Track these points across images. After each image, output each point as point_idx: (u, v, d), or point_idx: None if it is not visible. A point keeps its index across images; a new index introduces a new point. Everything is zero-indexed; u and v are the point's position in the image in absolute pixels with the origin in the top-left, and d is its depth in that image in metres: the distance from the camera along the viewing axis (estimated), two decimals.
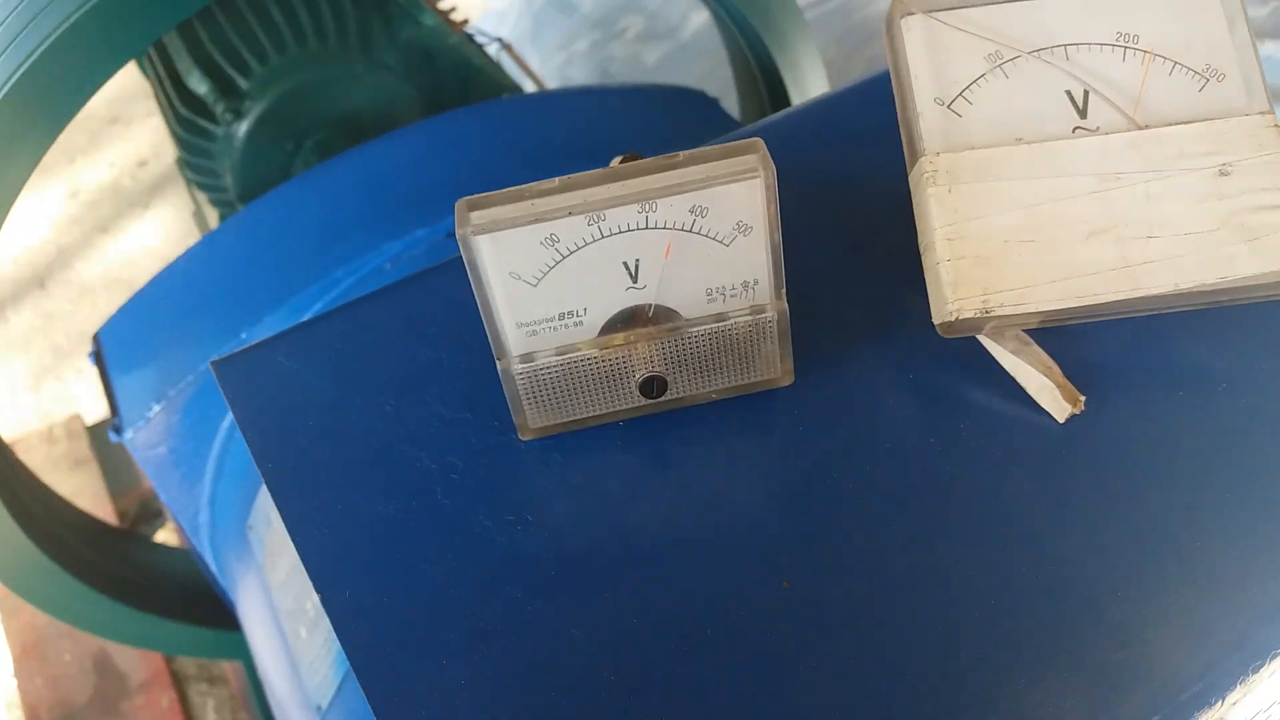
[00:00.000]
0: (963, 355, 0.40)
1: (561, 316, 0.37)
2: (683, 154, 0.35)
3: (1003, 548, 0.35)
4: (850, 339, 0.42)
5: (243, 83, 1.19)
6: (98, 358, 0.87)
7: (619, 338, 0.38)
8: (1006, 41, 0.37)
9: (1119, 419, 0.38)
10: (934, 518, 0.36)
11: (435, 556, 0.37)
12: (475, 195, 0.35)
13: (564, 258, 0.36)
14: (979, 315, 0.36)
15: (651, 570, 0.36)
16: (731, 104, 1.42)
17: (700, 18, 2.48)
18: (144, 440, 0.81)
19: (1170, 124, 0.36)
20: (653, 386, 0.38)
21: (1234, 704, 0.33)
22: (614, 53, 2.39)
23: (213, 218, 1.49)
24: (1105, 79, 0.37)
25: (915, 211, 0.39)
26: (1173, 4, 0.37)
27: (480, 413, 0.40)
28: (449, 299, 0.44)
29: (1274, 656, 0.33)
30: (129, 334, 0.87)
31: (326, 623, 0.71)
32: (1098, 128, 0.37)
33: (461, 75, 1.44)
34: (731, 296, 0.37)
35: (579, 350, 0.38)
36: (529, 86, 1.61)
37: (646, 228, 0.36)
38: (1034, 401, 0.39)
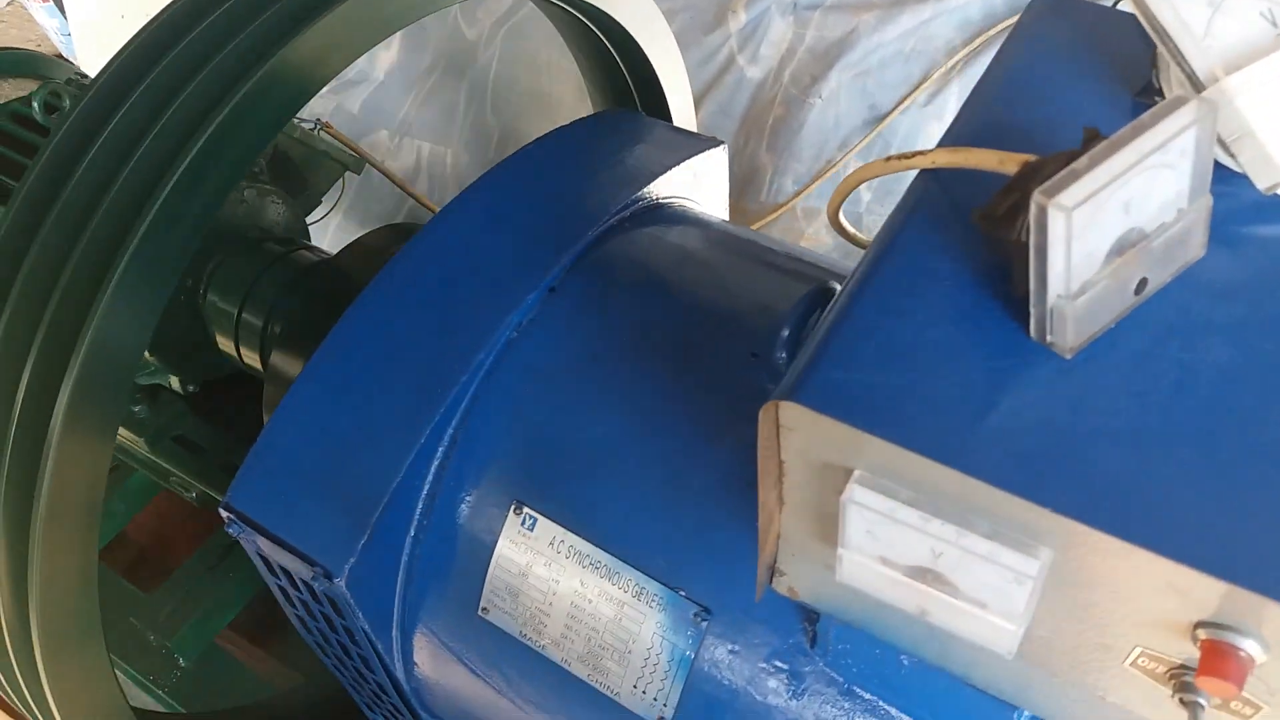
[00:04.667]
0: (1258, 206, 0.58)
1: (1086, 256, 0.50)
2: (1144, 117, 0.50)
3: None
4: None
5: None
6: (248, 523, 0.85)
7: (1120, 261, 0.51)
8: None
9: None
10: None
11: None
12: (1044, 185, 0.47)
13: (1098, 210, 0.49)
14: None
15: None
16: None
17: (389, 55, 2.52)
18: (354, 578, 0.82)
19: None
20: (1141, 286, 0.52)
21: None
22: (315, 109, 2.37)
23: None
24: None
25: (1224, 120, 0.55)
26: None
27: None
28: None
29: None
30: (270, 490, 0.85)
31: (644, 642, 0.78)
32: None
33: (310, 162, 1.45)
34: (1171, 206, 0.52)
35: (1098, 280, 0.51)
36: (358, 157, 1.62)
37: (1144, 172, 0.49)
38: None
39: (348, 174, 1.52)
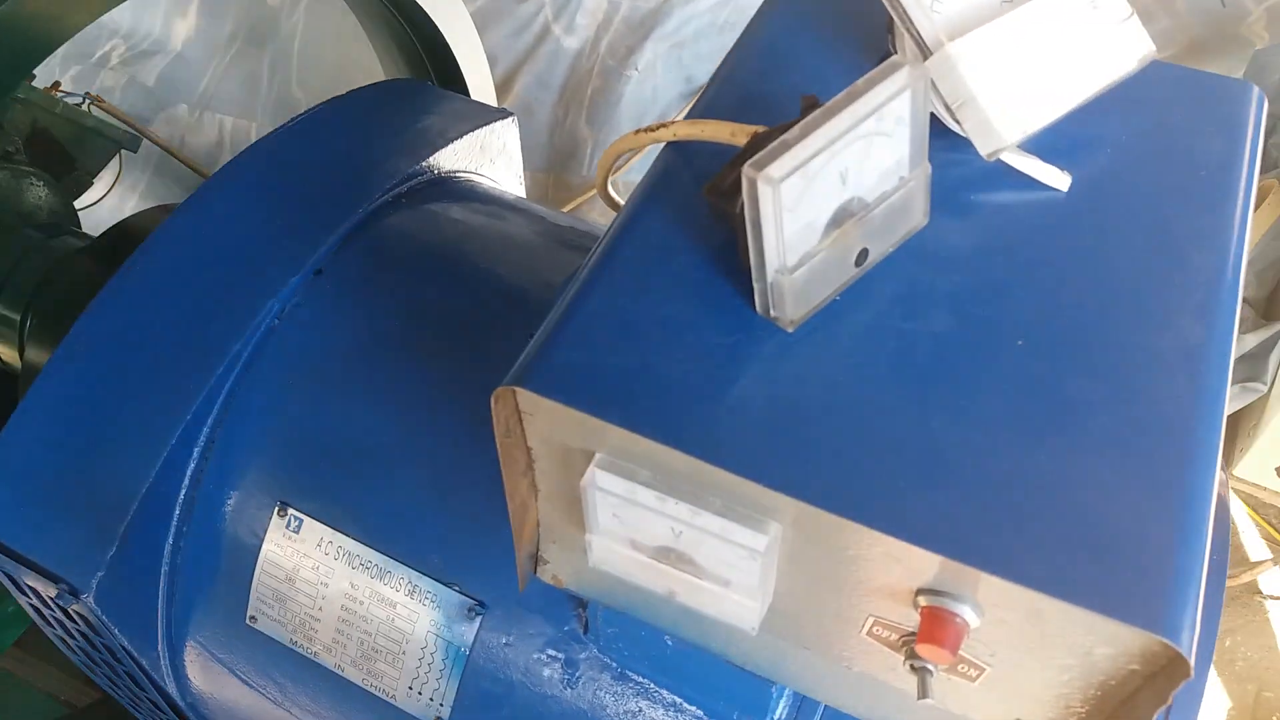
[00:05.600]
0: (983, 173, 0.58)
1: (803, 229, 0.49)
2: (859, 83, 0.48)
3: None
4: None
5: None
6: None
7: (839, 232, 0.50)
8: None
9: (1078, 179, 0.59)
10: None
11: None
12: (754, 158, 0.46)
13: (809, 183, 0.48)
14: (1020, 137, 0.56)
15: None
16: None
17: (185, 24, 2.39)
18: (105, 592, 0.76)
19: None
20: (860, 257, 0.52)
21: None
22: (106, 82, 2.22)
23: None
24: None
25: (942, 87, 0.55)
26: None
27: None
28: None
29: None
30: (10, 503, 0.78)
31: (417, 641, 0.75)
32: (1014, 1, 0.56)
33: (78, 141, 1.34)
34: (891, 175, 0.51)
35: (817, 252, 0.50)
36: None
37: (856, 141, 0.48)
38: (1043, 184, 0.58)
39: (128, 152, 1.42)
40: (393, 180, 0.94)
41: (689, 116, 0.61)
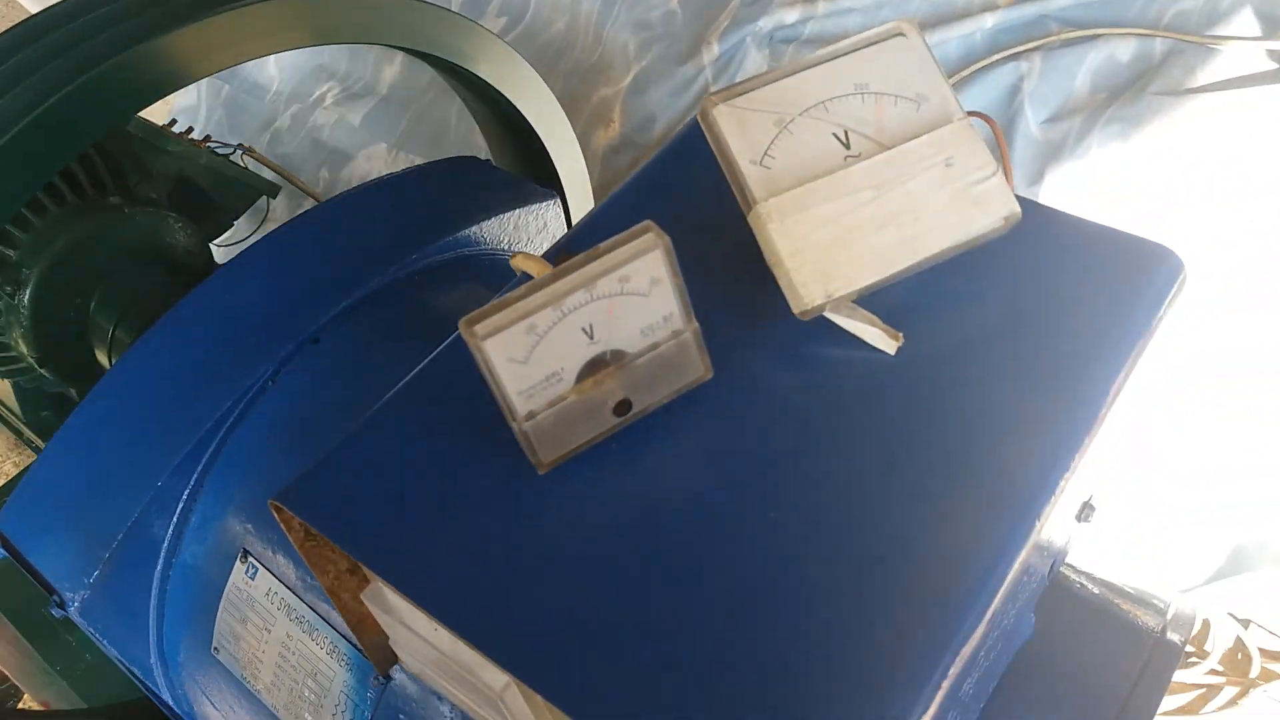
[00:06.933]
0: (815, 328, 0.57)
1: (547, 379, 0.51)
2: (603, 245, 0.50)
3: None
4: (740, 336, 0.57)
5: (12, 254, 1.21)
6: (9, 549, 0.90)
7: (589, 382, 0.52)
8: (784, 109, 0.54)
9: (919, 341, 0.56)
10: (827, 436, 0.53)
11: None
12: (470, 314, 0.48)
13: (540, 338, 0.49)
14: (824, 301, 0.53)
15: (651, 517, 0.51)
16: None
17: (392, 70, 2.59)
18: (88, 608, 0.86)
19: (906, 139, 0.54)
20: (622, 408, 0.53)
21: None
22: (319, 120, 2.46)
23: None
24: (855, 118, 0.54)
25: (760, 242, 0.55)
26: (886, 56, 0.55)
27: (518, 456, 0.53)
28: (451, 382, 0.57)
29: None
30: (33, 516, 0.90)
31: (334, 699, 0.80)
32: (859, 154, 0.54)
33: (220, 187, 1.51)
34: (659, 329, 0.52)
35: (565, 399, 0.51)
36: (272, 177, 1.68)
37: (593, 301, 0.50)
38: (870, 346, 0.56)
39: (285, 193, 1.58)
40: (410, 255, 1.01)
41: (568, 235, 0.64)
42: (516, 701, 0.51)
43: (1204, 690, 1.42)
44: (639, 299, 0.51)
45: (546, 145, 1.34)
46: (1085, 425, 0.53)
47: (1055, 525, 0.55)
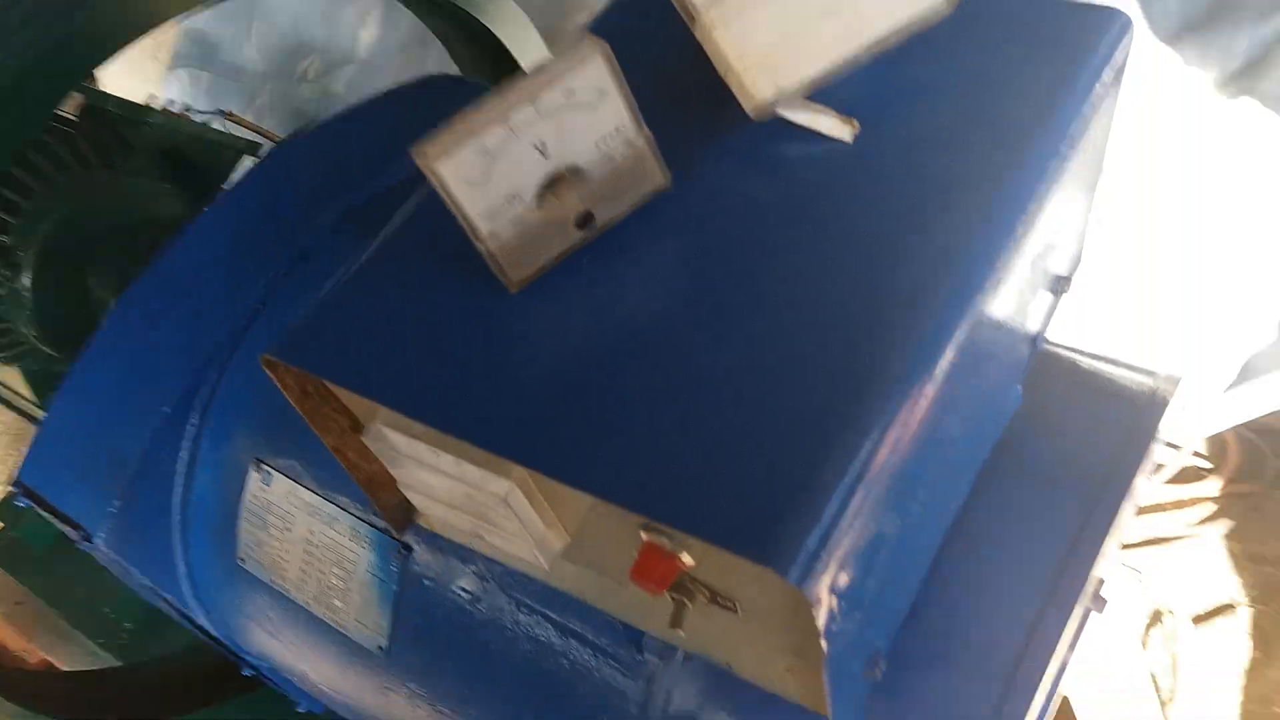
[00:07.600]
0: (772, 130, 0.59)
1: (507, 199, 0.53)
2: (543, 59, 0.52)
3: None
4: (697, 142, 0.60)
5: (6, 239, 1.24)
6: (32, 496, 0.93)
7: (548, 196, 0.54)
8: None
9: (874, 127, 0.58)
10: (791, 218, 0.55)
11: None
12: (422, 139, 0.51)
13: (494, 159, 0.52)
14: (775, 95, 0.56)
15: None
16: None
17: (368, 33, 2.60)
18: (115, 537, 0.90)
19: None
20: (584, 221, 0.55)
21: None
22: (303, 94, 2.47)
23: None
24: None
25: (709, 52, 0.57)
26: None
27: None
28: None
29: None
30: (51, 462, 0.94)
31: (360, 580, 0.84)
32: None
33: (207, 154, 1.53)
34: (612, 140, 0.54)
35: (527, 217, 0.54)
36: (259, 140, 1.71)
37: (541, 118, 0.52)
38: (828, 138, 0.58)
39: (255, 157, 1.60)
40: (391, 167, 1.03)
41: None
42: (520, 503, 0.54)
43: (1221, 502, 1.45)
44: (587, 111, 0.53)
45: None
46: (1039, 178, 0.55)
47: (1017, 282, 0.57)
